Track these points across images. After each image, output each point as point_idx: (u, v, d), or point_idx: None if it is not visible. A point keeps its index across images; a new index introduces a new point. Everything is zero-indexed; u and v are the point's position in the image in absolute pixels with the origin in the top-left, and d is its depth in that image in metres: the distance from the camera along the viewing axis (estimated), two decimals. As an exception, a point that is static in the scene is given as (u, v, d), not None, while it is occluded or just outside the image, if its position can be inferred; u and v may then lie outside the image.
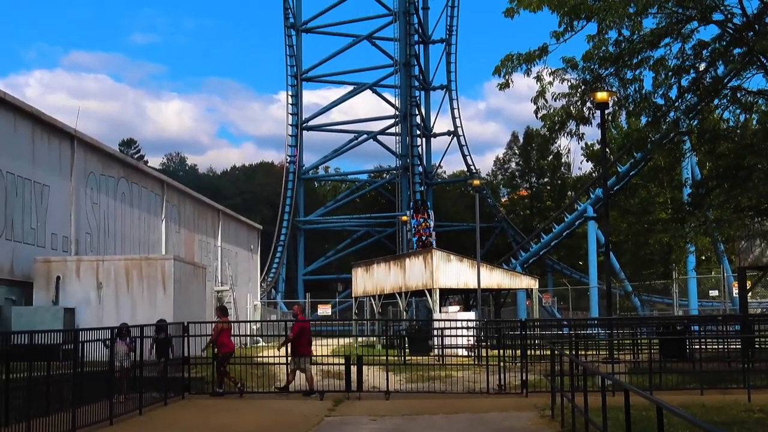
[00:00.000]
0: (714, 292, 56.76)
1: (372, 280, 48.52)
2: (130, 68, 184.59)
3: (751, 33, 21.15)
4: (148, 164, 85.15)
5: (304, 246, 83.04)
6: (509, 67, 21.67)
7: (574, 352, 24.46)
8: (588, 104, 22.51)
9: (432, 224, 68.30)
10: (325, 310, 60.55)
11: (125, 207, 36.22)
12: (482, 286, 41.36)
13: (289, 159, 78.14)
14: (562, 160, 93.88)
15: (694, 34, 21.70)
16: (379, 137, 78.22)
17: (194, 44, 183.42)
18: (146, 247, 37.86)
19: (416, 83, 73.11)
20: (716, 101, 22.95)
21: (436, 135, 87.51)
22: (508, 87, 21.84)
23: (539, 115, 22.46)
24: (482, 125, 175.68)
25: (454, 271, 41.92)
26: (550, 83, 22.03)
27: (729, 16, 21.26)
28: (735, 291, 43.28)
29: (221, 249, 50.83)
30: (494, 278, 43.48)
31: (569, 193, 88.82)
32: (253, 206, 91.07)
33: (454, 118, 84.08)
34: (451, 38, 75.12)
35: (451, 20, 75.23)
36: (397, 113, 71.73)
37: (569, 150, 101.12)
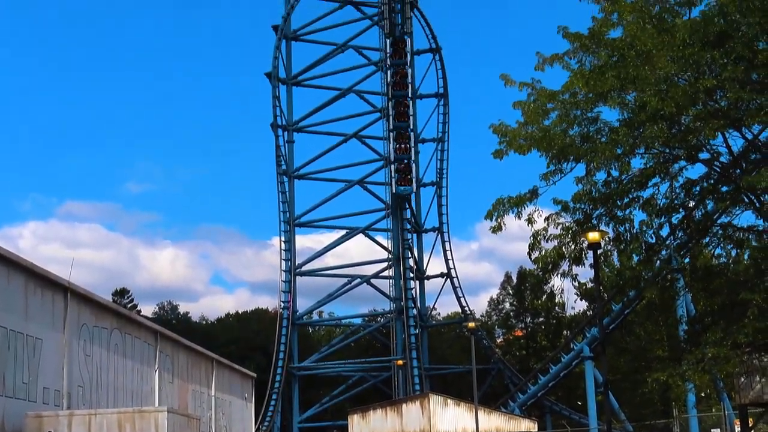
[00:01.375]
0: (716, 431, 55.84)
1: (369, 426, 47.68)
2: (124, 217, 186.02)
3: (738, 170, 21.50)
4: (141, 313, 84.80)
5: (299, 393, 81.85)
6: (501, 211, 21.92)
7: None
8: (580, 245, 22.64)
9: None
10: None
11: (118, 358, 35.85)
12: (480, 430, 40.61)
13: (282, 305, 77.94)
14: (556, 300, 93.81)
15: (682, 173, 22.06)
16: (373, 281, 78.24)
17: (188, 192, 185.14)
18: (139, 398, 37.29)
19: (408, 226, 73.85)
20: (707, 238, 23.12)
21: (429, 277, 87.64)
22: (501, 230, 22.04)
23: (533, 258, 22.56)
24: (475, 265, 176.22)
25: (451, 416, 41.29)
26: (545, 229, 22.24)
27: (715, 154, 21.68)
28: (737, 429, 42.58)
29: (215, 399, 50.09)
30: (493, 422, 42.79)
31: (564, 332, 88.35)
32: (247, 353, 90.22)
33: (447, 260, 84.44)
34: (442, 181, 76.29)
35: (441, 163, 76.55)
36: (390, 256, 71.95)
37: (563, 290, 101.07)
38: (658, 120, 20.25)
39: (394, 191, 50.36)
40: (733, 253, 23.25)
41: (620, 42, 21.30)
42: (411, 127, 51.04)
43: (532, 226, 22.57)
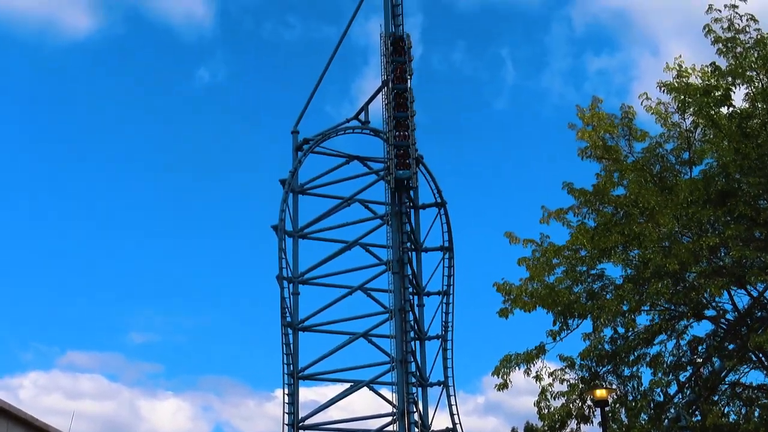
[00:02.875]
0: None
1: None
2: (126, 368, 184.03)
3: (744, 328, 21.42)
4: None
5: None
6: (508, 368, 21.75)
7: None
8: (588, 402, 22.34)
9: None
10: None
11: None
12: None
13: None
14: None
15: (689, 330, 21.98)
16: (377, 436, 76.58)
17: (191, 343, 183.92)
18: None
19: (413, 380, 72.76)
20: (716, 396, 22.81)
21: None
22: (507, 387, 21.82)
23: (540, 414, 22.23)
24: (482, 420, 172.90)
25: None
26: (551, 384, 22.03)
27: (721, 312, 21.64)
28: None
29: None
30: None
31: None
32: None
33: (452, 414, 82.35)
34: (447, 334, 75.63)
35: (447, 316, 76.07)
36: (395, 410, 70.74)
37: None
38: (662, 277, 20.32)
39: (393, 175, 49.55)
40: (743, 411, 22.88)
41: (624, 199, 21.62)
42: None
43: (539, 383, 22.35)
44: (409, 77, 48.66)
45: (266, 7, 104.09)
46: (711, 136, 21.38)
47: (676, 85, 21.46)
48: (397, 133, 47.87)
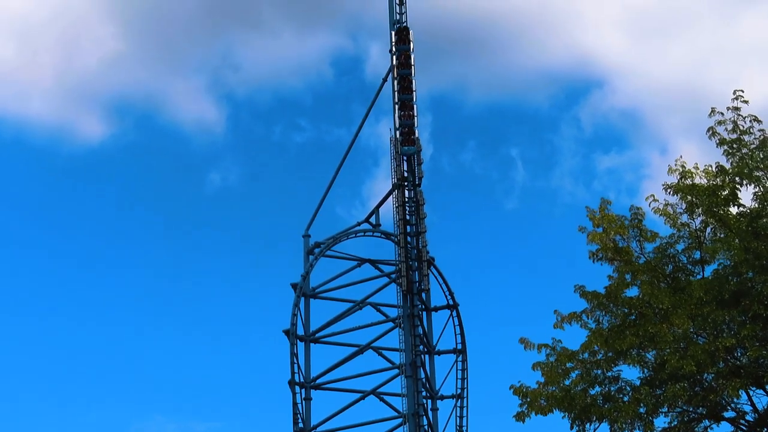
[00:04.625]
0: None
1: None
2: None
3: (765, 429, 21.13)
4: None
5: None
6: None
7: None
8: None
9: None
10: None
11: None
12: None
13: None
14: None
15: (708, 432, 21.68)
16: None
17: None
18: None
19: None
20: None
21: None
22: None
23: None
24: None
25: None
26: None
27: (740, 413, 21.36)
28: None
29: None
30: None
31: None
32: None
33: None
34: (462, 437, 74.59)
35: (461, 420, 74.99)
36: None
37: None
38: (679, 379, 20.14)
39: (399, 151, 49.19)
40: None
41: (637, 300, 21.58)
42: (413, 73, 51.28)
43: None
44: (419, 179, 49.08)
45: (276, 111, 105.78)
46: (721, 236, 21.43)
47: (682, 185, 21.60)
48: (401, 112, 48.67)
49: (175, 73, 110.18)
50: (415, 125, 48.19)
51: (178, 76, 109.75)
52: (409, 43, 49.93)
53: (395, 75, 49.35)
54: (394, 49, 49.88)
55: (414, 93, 49.18)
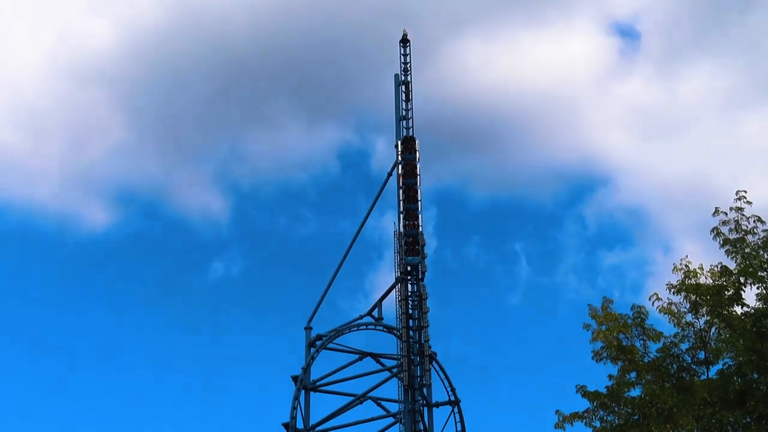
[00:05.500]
0: None
1: None
2: None
3: None
4: None
5: None
6: None
7: None
8: None
9: None
10: None
11: None
12: None
13: None
14: None
15: None
16: None
17: None
18: None
19: None
20: None
21: None
22: None
23: None
24: None
25: None
26: None
27: None
28: None
29: None
30: None
31: None
32: None
33: None
34: None
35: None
36: None
37: None
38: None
39: (403, 260, 48.46)
40: None
41: (640, 400, 21.37)
42: (419, 183, 50.81)
43: None
44: (422, 274, 49.12)
45: (281, 203, 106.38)
46: (726, 336, 21.33)
47: (686, 285, 21.61)
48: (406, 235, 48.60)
49: (182, 163, 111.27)
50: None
51: (184, 167, 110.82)
52: (415, 152, 50.54)
53: (401, 184, 49.77)
54: (399, 158, 50.46)
55: (419, 202, 49.57)
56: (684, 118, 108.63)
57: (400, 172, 50.32)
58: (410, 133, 51.78)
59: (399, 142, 51.00)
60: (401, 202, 49.61)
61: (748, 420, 20.12)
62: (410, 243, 49.24)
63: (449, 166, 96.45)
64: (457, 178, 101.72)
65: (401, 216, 49.35)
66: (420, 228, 49.31)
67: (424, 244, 49.97)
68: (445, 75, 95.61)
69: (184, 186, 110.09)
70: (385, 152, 74.41)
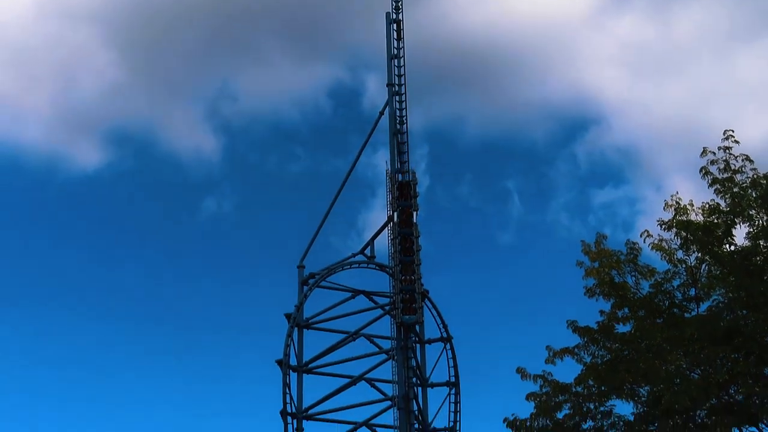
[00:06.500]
0: None
1: None
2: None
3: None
4: None
5: None
6: None
7: None
8: None
9: None
10: None
11: None
12: None
13: None
14: None
15: None
16: None
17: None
18: None
19: None
20: None
21: None
22: None
23: None
24: None
25: None
26: None
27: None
28: None
29: None
30: None
31: None
32: None
33: None
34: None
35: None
36: None
37: None
38: (672, 414, 20.19)
39: (399, 318, 48.27)
40: None
41: (630, 336, 21.67)
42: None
43: None
44: (415, 212, 49.23)
45: (273, 141, 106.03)
46: (716, 273, 21.56)
47: (677, 222, 21.78)
48: (403, 276, 47.90)
49: (173, 102, 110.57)
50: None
51: (175, 105, 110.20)
52: (411, 199, 49.24)
53: (396, 234, 47.91)
54: (395, 204, 48.53)
55: (417, 253, 48.46)
56: (678, 55, 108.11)
57: (395, 220, 48.58)
58: (401, 72, 51.53)
59: (395, 187, 48.96)
60: (397, 253, 48.38)
61: (736, 356, 20.43)
62: (407, 300, 47.40)
63: (441, 104, 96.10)
64: (449, 116, 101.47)
65: (398, 270, 48.28)
66: (416, 283, 47.90)
67: (416, 183, 50.03)
68: (437, 12, 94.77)
69: (176, 125, 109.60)
70: (376, 90, 74.13)
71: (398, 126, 50.96)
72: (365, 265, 52.63)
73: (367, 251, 52.57)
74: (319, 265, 52.06)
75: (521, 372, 22.45)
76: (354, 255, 52.92)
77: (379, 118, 52.25)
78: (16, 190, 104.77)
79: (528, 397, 22.52)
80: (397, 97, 51.43)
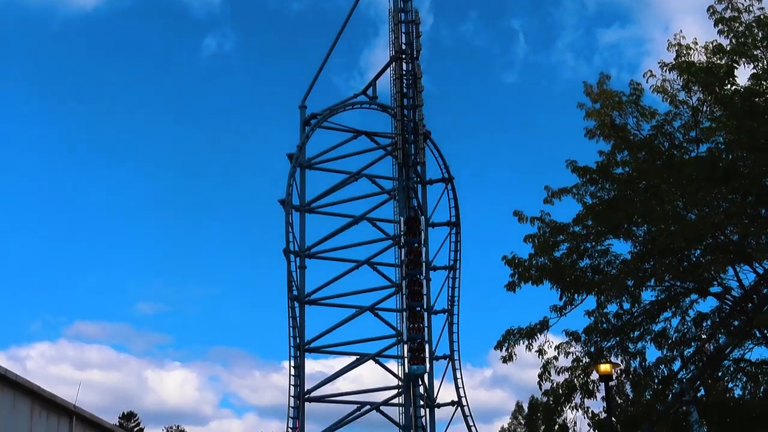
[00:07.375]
0: None
1: None
2: (133, 338, 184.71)
3: (750, 305, 21.51)
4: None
5: None
6: (511, 341, 21.92)
7: None
8: (592, 377, 22.51)
9: None
10: None
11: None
12: None
13: (290, 431, 76.47)
14: None
15: (694, 306, 22.06)
16: (383, 408, 76.95)
17: (200, 313, 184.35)
18: None
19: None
20: (720, 372, 22.95)
21: (440, 405, 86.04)
22: (511, 360, 21.98)
23: (542, 390, 22.42)
24: (489, 392, 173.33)
25: None
26: (555, 358, 22.17)
27: (726, 288, 21.69)
28: None
29: None
30: None
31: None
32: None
33: (457, 388, 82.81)
34: (453, 308, 75.73)
35: (453, 291, 76.14)
36: (401, 383, 70.96)
37: (575, 422, 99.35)
38: (668, 253, 20.39)
39: (407, 370, 49.91)
40: (748, 387, 22.99)
41: (628, 176, 21.61)
42: (425, 305, 50.55)
43: (542, 357, 22.51)
44: (417, 52, 48.49)
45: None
46: (718, 114, 21.29)
47: (679, 63, 21.28)
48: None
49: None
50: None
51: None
52: (420, 234, 47.84)
53: (404, 274, 47.16)
54: (403, 240, 47.34)
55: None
56: None
57: (403, 258, 47.77)
58: None
59: (402, 221, 47.90)
60: (404, 298, 47.68)
61: (734, 196, 20.44)
62: (415, 349, 47.00)
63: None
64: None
65: (404, 316, 47.56)
66: (425, 330, 47.30)
67: (419, 23, 49.10)
68: None
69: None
70: (381, -74, 71.97)
71: None
72: (367, 105, 52.28)
73: (369, 91, 52.13)
74: (321, 105, 51.74)
75: (518, 215, 22.52)
76: (356, 95, 52.52)
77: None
78: (17, 30, 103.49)
79: (526, 239, 22.71)
80: (402, -67, 49.90)
